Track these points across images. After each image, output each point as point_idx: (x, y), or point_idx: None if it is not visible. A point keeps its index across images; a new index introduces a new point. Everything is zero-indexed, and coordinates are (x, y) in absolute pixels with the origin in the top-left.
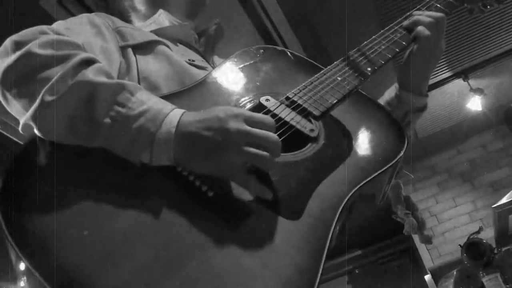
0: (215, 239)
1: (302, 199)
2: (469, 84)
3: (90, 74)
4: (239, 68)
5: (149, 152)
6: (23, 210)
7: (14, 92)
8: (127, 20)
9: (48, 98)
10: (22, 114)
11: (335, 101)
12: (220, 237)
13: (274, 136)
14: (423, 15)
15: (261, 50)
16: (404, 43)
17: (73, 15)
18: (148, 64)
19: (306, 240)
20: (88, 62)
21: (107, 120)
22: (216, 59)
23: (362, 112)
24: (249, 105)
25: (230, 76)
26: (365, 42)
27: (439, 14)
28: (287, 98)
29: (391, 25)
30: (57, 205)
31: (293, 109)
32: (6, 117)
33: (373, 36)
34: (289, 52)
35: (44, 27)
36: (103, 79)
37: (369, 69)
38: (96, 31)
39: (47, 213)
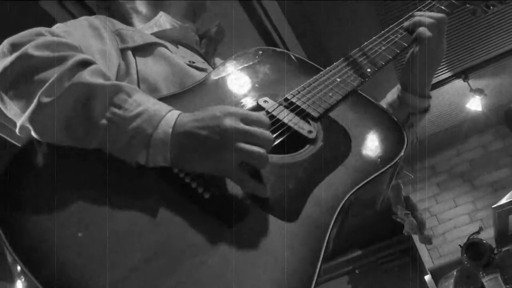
0: (211, 241)
1: (299, 201)
2: (469, 84)
3: (86, 75)
4: (238, 69)
5: (146, 153)
6: (20, 212)
7: (11, 94)
8: (128, 22)
9: (45, 100)
10: (19, 116)
11: (334, 102)
12: (216, 239)
13: (267, 133)
14: (424, 16)
15: (260, 52)
16: (405, 44)
17: (73, 15)
18: (148, 66)
19: (303, 242)
20: (85, 64)
21: (104, 121)
22: (217, 60)
23: (361, 114)
24: (247, 107)
25: (229, 77)
26: (365, 43)
27: (440, 15)
28: (286, 100)
29: (391, 26)
30: (54, 206)
31: (292, 111)
32: (4, 120)
33: (374, 37)
34: (288, 53)
35: (41, 29)
36: (99, 80)
37: (369, 70)
38: (95, 33)
39: (44, 215)
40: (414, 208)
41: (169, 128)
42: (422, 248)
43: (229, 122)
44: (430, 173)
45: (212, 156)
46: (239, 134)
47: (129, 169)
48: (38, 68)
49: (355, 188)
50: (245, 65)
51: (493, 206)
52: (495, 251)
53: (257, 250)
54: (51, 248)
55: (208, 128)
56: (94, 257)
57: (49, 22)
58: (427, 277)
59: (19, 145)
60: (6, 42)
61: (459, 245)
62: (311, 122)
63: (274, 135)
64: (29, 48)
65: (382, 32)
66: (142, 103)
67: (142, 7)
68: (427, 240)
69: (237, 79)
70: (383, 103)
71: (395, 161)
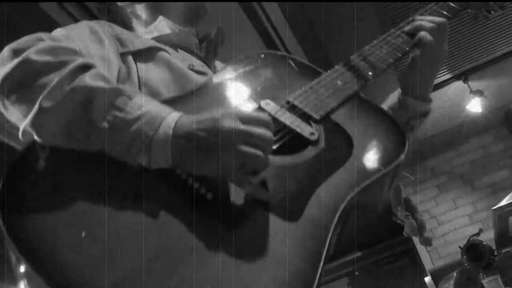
0: (213, 242)
1: (301, 202)
2: (469, 86)
3: (87, 79)
4: (239, 73)
5: (147, 155)
6: (23, 213)
7: (12, 99)
8: (128, 26)
9: (46, 104)
10: (21, 120)
11: (335, 105)
12: (218, 240)
13: (267, 134)
14: (425, 20)
15: (262, 55)
16: (406, 48)
17: (73, 17)
18: (149, 70)
19: (304, 244)
20: (85, 68)
21: (105, 124)
22: (217, 64)
23: (363, 116)
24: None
25: (230, 81)
26: (366, 47)
27: (441, 19)
28: (288, 102)
29: (392, 30)
30: (57, 207)
31: (294, 113)
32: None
33: (374, 41)
34: (290, 57)
35: (41, 35)
36: (100, 83)
37: (370, 73)
38: (95, 37)
39: (47, 215)
40: (414, 210)
41: (170, 129)
42: (422, 250)
43: (227, 123)
44: (430, 174)
45: (211, 158)
46: (238, 135)
47: (131, 171)
48: (39, 73)
49: (357, 190)
50: (247, 69)
51: (493, 208)
52: (495, 253)
53: (259, 251)
54: (54, 249)
55: (207, 130)
56: (95, 258)
57: (49, 23)
58: (427, 279)
59: (21, 149)
60: (7, 48)
61: (459, 246)
62: (313, 124)
63: (276, 137)
64: (30, 54)
65: (383, 36)
66: (143, 105)
67: (142, 12)
68: (427, 242)
69: (239, 83)
70: (384, 106)
71: (396, 163)
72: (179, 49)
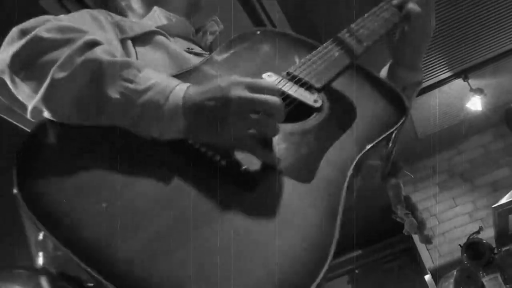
0: (232, 204)
1: (312, 164)
2: (469, 84)
3: (98, 52)
4: (239, 49)
5: (159, 125)
6: (41, 187)
7: (22, 76)
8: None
9: (58, 75)
10: (31, 97)
11: (335, 74)
12: (237, 202)
13: (276, 99)
14: None
15: (258, 32)
16: (395, 20)
17: None
18: (148, 54)
19: (321, 200)
20: (94, 44)
21: (116, 95)
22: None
23: (362, 83)
24: None
25: (230, 57)
26: (358, 20)
27: None
28: (288, 73)
29: (381, 3)
30: (75, 180)
31: (295, 83)
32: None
33: (365, 15)
34: (286, 32)
35: (48, 16)
36: (110, 57)
37: (364, 43)
38: (97, 23)
39: (66, 188)
40: (414, 208)
41: (180, 99)
42: (422, 248)
43: (234, 91)
44: (430, 172)
45: (221, 127)
46: (246, 103)
47: (143, 142)
48: (49, 49)
49: (365, 150)
50: (245, 45)
51: (493, 206)
52: (495, 251)
53: (278, 210)
54: (75, 222)
55: (215, 99)
56: (113, 227)
57: None
58: (427, 277)
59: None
60: (15, 29)
61: (459, 244)
62: (315, 93)
63: None
64: (40, 31)
65: (373, 9)
66: (152, 77)
67: (136, 5)
68: (427, 240)
69: (239, 58)
70: None
71: (400, 123)
72: (176, 37)
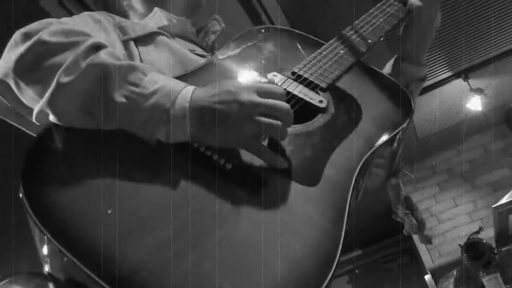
0: (238, 209)
1: (318, 166)
2: (469, 84)
3: (102, 55)
4: (243, 48)
5: (165, 129)
6: (47, 196)
7: (27, 80)
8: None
9: (63, 79)
10: (36, 101)
11: (340, 73)
12: (242, 207)
13: (285, 105)
14: None
15: (262, 30)
16: (400, 15)
17: (73, 15)
18: (151, 55)
19: (326, 203)
20: (99, 47)
21: (122, 99)
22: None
23: (368, 82)
24: None
25: (235, 56)
26: (363, 16)
27: None
28: (293, 73)
29: None
30: (81, 185)
31: (300, 83)
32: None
33: (370, 10)
34: (290, 29)
35: (51, 19)
36: (115, 61)
37: (369, 41)
38: (99, 26)
39: (71, 195)
40: (414, 208)
41: (186, 102)
42: (422, 248)
43: (245, 95)
44: (430, 172)
45: (230, 130)
46: (256, 107)
47: (149, 146)
48: (53, 53)
49: (371, 151)
50: (249, 43)
51: (493, 206)
52: (495, 251)
53: (284, 214)
54: (82, 226)
55: (226, 103)
56: (124, 232)
57: None
58: (427, 277)
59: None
60: (18, 33)
61: (459, 244)
62: (320, 93)
63: None
64: (43, 35)
65: (378, 5)
66: (158, 80)
67: (138, 5)
68: (427, 240)
69: (243, 57)
70: None
71: (405, 123)
72: (177, 38)
